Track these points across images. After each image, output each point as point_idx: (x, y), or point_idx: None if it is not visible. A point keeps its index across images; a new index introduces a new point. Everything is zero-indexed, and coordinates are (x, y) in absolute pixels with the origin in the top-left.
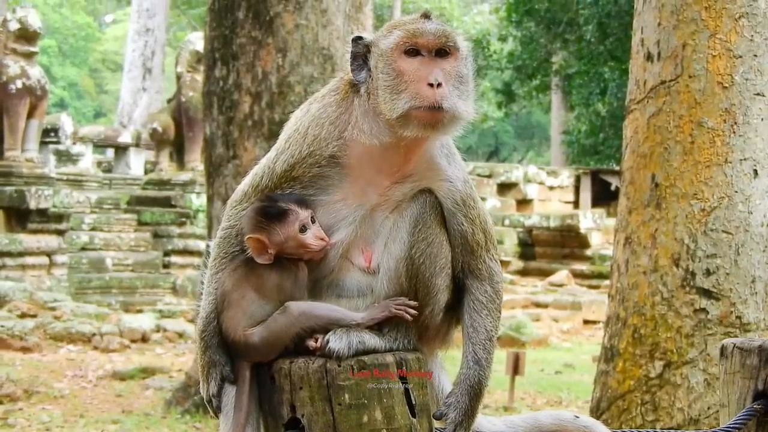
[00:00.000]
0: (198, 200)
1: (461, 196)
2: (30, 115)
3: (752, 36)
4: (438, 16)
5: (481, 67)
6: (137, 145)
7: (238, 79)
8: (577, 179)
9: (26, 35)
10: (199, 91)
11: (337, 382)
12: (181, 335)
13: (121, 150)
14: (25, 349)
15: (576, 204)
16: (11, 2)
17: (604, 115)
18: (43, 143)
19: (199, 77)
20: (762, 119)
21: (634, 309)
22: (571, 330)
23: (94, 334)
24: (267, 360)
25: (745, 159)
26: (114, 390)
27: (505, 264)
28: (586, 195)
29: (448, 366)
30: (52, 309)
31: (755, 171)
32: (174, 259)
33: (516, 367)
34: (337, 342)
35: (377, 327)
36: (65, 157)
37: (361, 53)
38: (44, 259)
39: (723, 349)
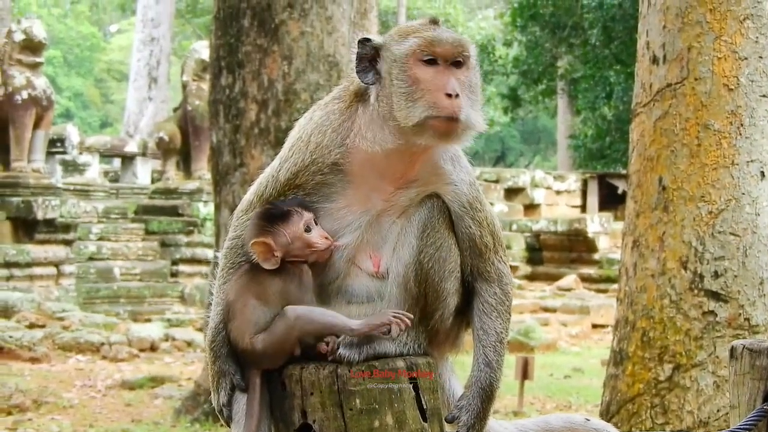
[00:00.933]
0: (205, 209)
1: (468, 199)
2: (36, 125)
3: (757, 38)
4: (443, 21)
5: (487, 72)
6: (144, 155)
7: (244, 87)
8: (584, 183)
9: (31, 46)
10: (205, 99)
11: (348, 388)
12: (189, 344)
13: (127, 159)
14: (34, 360)
15: (583, 208)
16: (16, 13)
17: (610, 118)
18: (49, 154)
19: (205, 86)
20: None
21: (643, 312)
22: (580, 334)
23: (102, 344)
24: (276, 366)
25: (751, 161)
26: (123, 399)
27: (513, 269)
28: (593, 199)
29: (457, 370)
30: (61, 319)
31: (762, 173)
32: (182, 267)
33: (525, 372)
34: (348, 348)
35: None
36: (72, 167)
37: (368, 55)
38: (52, 270)
39: (732, 351)
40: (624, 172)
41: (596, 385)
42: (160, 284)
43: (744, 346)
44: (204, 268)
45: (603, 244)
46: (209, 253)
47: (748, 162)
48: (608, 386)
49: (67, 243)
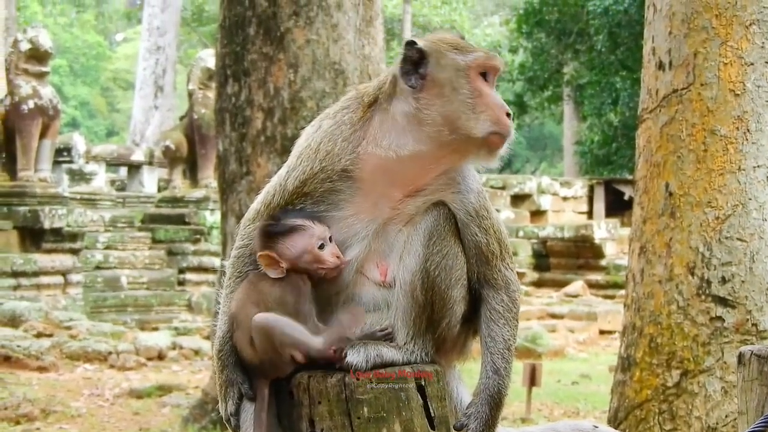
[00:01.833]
0: (212, 217)
1: (474, 207)
2: (42, 135)
3: (763, 43)
4: (450, 28)
5: None
6: (150, 163)
7: (250, 96)
8: (591, 189)
9: (37, 55)
10: (211, 108)
11: (356, 396)
12: (197, 352)
13: (134, 168)
14: (42, 369)
15: (590, 214)
16: (22, 22)
17: (617, 124)
18: (56, 163)
19: (211, 94)
20: None
21: (650, 318)
22: (587, 340)
23: (110, 353)
24: (284, 375)
25: (758, 166)
26: (131, 408)
27: (519, 275)
28: (599, 205)
29: (465, 378)
30: (68, 328)
31: None
32: (189, 276)
33: (533, 379)
34: (354, 355)
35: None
36: (78, 176)
37: (413, 59)
38: (59, 279)
39: (740, 357)
40: (630, 177)
41: (604, 392)
42: (167, 293)
43: (752, 352)
44: (211, 277)
45: (610, 250)
46: (216, 262)
47: (754, 167)
48: (616, 392)
49: (74, 252)
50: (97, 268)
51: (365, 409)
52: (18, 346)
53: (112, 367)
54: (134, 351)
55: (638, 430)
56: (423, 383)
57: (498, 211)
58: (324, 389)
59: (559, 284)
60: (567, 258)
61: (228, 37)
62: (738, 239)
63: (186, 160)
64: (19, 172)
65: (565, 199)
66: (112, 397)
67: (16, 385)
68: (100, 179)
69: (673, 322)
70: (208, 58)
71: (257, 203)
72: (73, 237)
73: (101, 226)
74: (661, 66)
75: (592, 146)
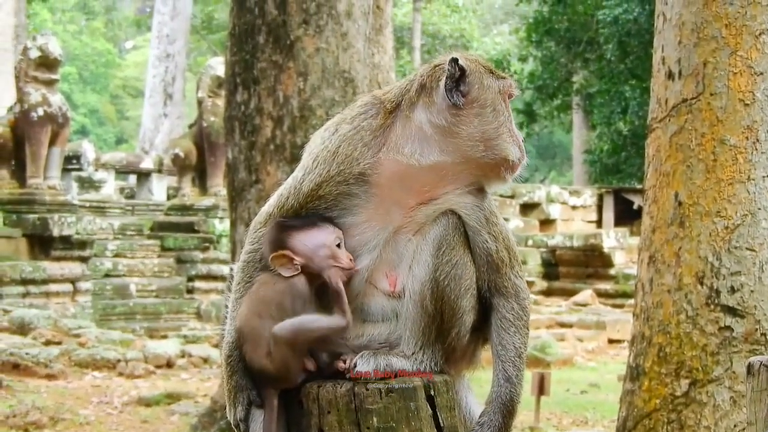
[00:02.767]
0: (221, 225)
1: (484, 214)
2: (52, 142)
3: None
4: (458, 37)
5: None
6: (159, 171)
7: (259, 104)
8: (600, 198)
9: (47, 63)
10: (221, 116)
11: (365, 406)
12: (206, 360)
13: (143, 176)
14: (50, 377)
15: (599, 223)
16: (32, 30)
17: (626, 133)
18: (65, 170)
19: (220, 102)
20: None
21: (659, 327)
22: (596, 349)
23: (119, 361)
24: (294, 385)
25: (767, 176)
26: (140, 416)
27: (528, 284)
28: (608, 214)
29: (474, 386)
30: (77, 336)
31: None
32: (198, 284)
33: (541, 387)
34: (364, 365)
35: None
36: (87, 183)
37: (456, 76)
38: (68, 286)
39: (750, 367)
40: (639, 186)
41: (612, 401)
42: (176, 301)
43: (761, 363)
44: (220, 285)
45: (619, 259)
46: (225, 270)
47: (764, 177)
48: (625, 402)
49: (83, 260)
50: (106, 275)
51: (374, 419)
52: (27, 353)
53: (120, 374)
54: (143, 359)
55: None
56: (432, 393)
57: (507, 220)
58: (333, 399)
59: (568, 293)
60: (576, 267)
61: (237, 45)
62: (747, 249)
63: (195, 168)
64: (29, 180)
65: (574, 208)
66: (121, 405)
67: (25, 393)
68: (110, 187)
69: (682, 331)
70: (218, 65)
71: (269, 206)
72: (82, 245)
73: (110, 233)
74: (670, 75)
75: (601, 155)
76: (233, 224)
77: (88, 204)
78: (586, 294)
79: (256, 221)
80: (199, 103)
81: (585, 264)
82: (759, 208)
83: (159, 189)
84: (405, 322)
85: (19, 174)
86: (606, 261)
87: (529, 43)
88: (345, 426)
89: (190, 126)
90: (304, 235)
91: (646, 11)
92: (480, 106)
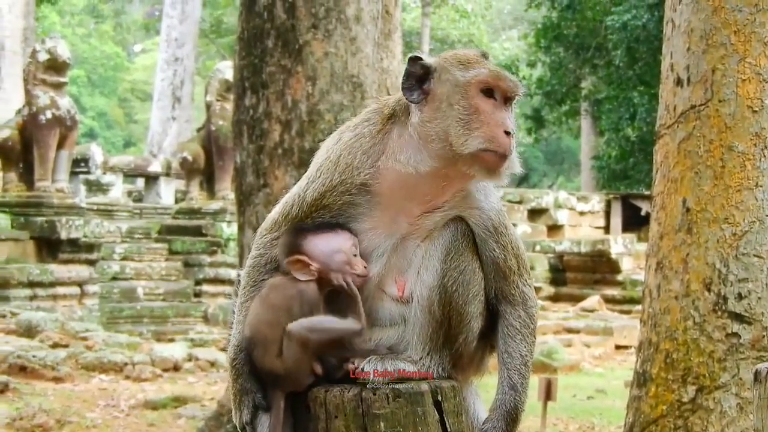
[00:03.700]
0: (229, 229)
1: (493, 223)
2: (60, 145)
3: None
4: (466, 42)
5: None
6: (167, 175)
7: (267, 108)
8: (608, 204)
9: (55, 66)
10: (229, 119)
11: (373, 411)
12: (213, 364)
13: (151, 179)
14: (57, 379)
15: (606, 229)
16: (40, 33)
17: (634, 139)
18: (73, 173)
19: (229, 106)
20: None
21: (666, 334)
22: (603, 355)
23: (126, 364)
24: (302, 388)
25: None
26: (146, 419)
27: (536, 290)
28: (616, 220)
29: (481, 392)
30: (84, 339)
31: None
32: (205, 287)
33: (548, 393)
34: (372, 370)
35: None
36: (95, 187)
37: (417, 74)
38: (75, 289)
39: (757, 374)
40: (647, 193)
41: (619, 407)
42: (184, 304)
43: None
44: (227, 288)
45: (626, 265)
46: (233, 273)
47: None
48: (631, 408)
49: (91, 263)
50: (114, 279)
51: (382, 424)
52: (34, 356)
53: (127, 378)
54: (150, 362)
55: None
56: (440, 398)
57: (514, 225)
58: (341, 403)
59: (576, 299)
60: (583, 273)
61: (246, 49)
62: (755, 256)
63: (203, 171)
64: (37, 183)
65: (582, 213)
66: (128, 408)
67: (32, 396)
68: (117, 190)
69: (689, 337)
70: (226, 69)
71: (275, 213)
72: (90, 248)
73: (118, 237)
74: (679, 82)
75: (609, 161)
76: (241, 228)
77: (95, 207)
78: (593, 300)
79: (263, 228)
80: (208, 106)
81: (592, 270)
82: (767, 215)
83: (167, 192)
84: (413, 327)
85: (27, 177)
86: (613, 267)
87: (538, 49)
88: (352, 431)
89: (199, 130)
90: (321, 240)
91: (655, 18)
92: (438, 101)
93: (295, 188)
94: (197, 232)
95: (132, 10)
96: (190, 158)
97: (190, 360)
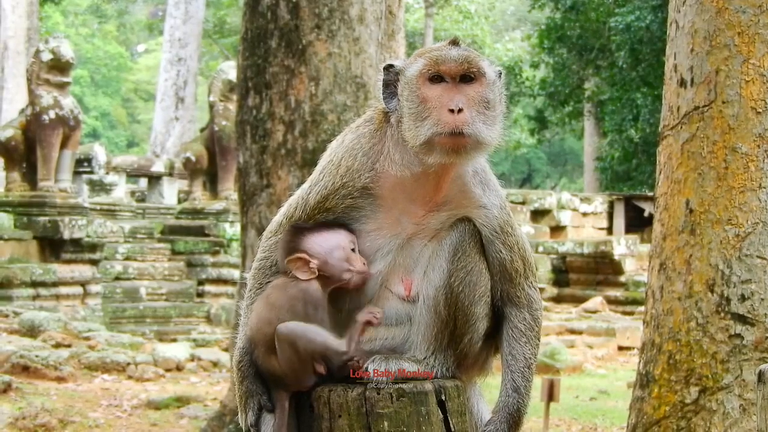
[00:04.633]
0: (231, 229)
1: (499, 223)
2: (63, 145)
3: None
4: (470, 43)
5: (514, 94)
6: (170, 175)
7: (271, 108)
8: (611, 205)
9: (59, 66)
10: (232, 120)
11: (376, 410)
12: (215, 364)
13: (154, 179)
14: (60, 379)
15: (609, 230)
16: (44, 33)
17: (637, 140)
18: (76, 173)
19: (232, 106)
20: None
21: (669, 335)
22: (606, 356)
23: (128, 364)
24: (305, 388)
25: None
26: (149, 419)
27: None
28: (619, 221)
29: (485, 393)
30: (87, 339)
31: None
32: (208, 288)
33: (551, 394)
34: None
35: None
36: (98, 186)
37: (393, 81)
38: (78, 289)
39: (760, 375)
40: (650, 194)
41: (622, 408)
42: (186, 304)
43: None
44: (230, 289)
45: (629, 266)
46: (235, 274)
47: None
48: (634, 409)
49: (94, 263)
50: (117, 279)
51: (385, 424)
52: (36, 356)
53: (130, 378)
54: (152, 362)
55: None
56: (443, 398)
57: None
58: (344, 403)
59: (578, 300)
60: (586, 274)
61: (249, 50)
62: (758, 257)
63: (206, 172)
64: (40, 182)
65: (584, 214)
66: (130, 408)
67: (34, 395)
68: (120, 190)
69: (692, 339)
70: (230, 70)
71: (279, 216)
72: (93, 248)
73: (121, 237)
74: (682, 83)
75: (612, 162)
76: (244, 228)
77: (98, 207)
78: (596, 301)
79: (268, 230)
80: (211, 107)
81: (595, 271)
82: None
83: (170, 192)
84: (418, 326)
85: (30, 176)
86: (616, 268)
87: (541, 50)
88: (356, 430)
89: (202, 130)
90: (319, 238)
91: (659, 19)
92: (402, 101)
93: (299, 191)
94: (200, 232)
95: (135, 11)
96: (193, 158)
97: (192, 360)
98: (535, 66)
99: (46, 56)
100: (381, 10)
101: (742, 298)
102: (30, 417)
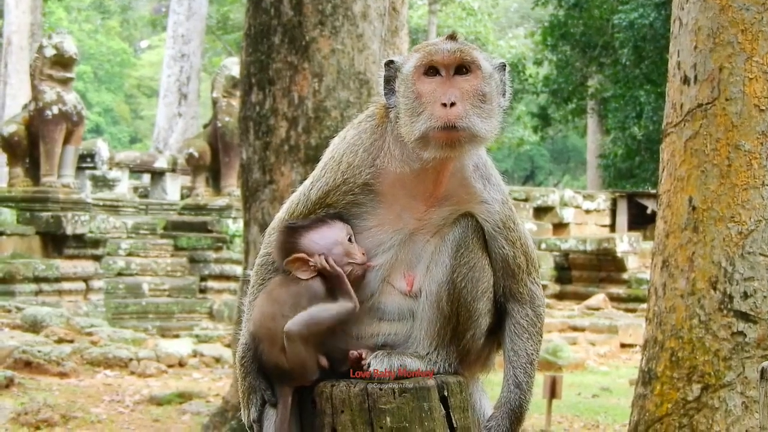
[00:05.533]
0: (234, 225)
1: (501, 218)
2: (66, 141)
3: None
4: (472, 40)
5: (517, 91)
6: (173, 171)
7: (274, 104)
8: (614, 203)
9: (62, 61)
10: (235, 116)
11: (379, 406)
12: (217, 360)
13: (157, 175)
14: (62, 375)
15: (612, 227)
16: (47, 28)
17: (640, 138)
18: (79, 169)
19: (235, 102)
20: None
21: (672, 332)
22: (608, 353)
23: (131, 359)
24: (309, 383)
25: None
26: (151, 415)
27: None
28: (622, 218)
29: (487, 389)
30: (89, 334)
31: None
32: (210, 284)
33: (553, 391)
34: (378, 364)
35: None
36: (101, 182)
37: (393, 77)
38: (81, 285)
39: (762, 372)
40: (653, 191)
41: (624, 405)
42: (189, 300)
43: None
44: (233, 285)
45: (632, 263)
46: (238, 270)
47: None
48: (636, 406)
49: (96, 258)
50: (119, 274)
51: (388, 419)
52: (39, 351)
53: (132, 373)
54: (155, 358)
55: None
56: (446, 394)
57: None
58: (347, 398)
59: (581, 297)
60: (589, 271)
61: (253, 46)
62: (761, 254)
63: (209, 168)
64: (42, 178)
65: (587, 212)
66: (132, 403)
67: (37, 391)
68: (123, 186)
69: (694, 336)
70: (233, 66)
71: (282, 212)
72: (96, 243)
73: (123, 232)
74: (685, 80)
75: (615, 159)
76: (246, 224)
77: (101, 203)
78: (598, 298)
79: (271, 227)
80: (214, 103)
81: (598, 268)
82: None
83: (173, 188)
84: (420, 322)
85: (33, 172)
86: (619, 265)
87: (545, 47)
88: (358, 425)
89: (205, 126)
90: (316, 235)
91: (662, 16)
92: (400, 97)
93: (302, 187)
94: (203, 228)
95: (139, 6)
96: (196, 154)
97: (195, 356)
98: (538, 63)
99: (50, 52)
100: (384, 6)
101: (745, 296)
102: (32, 412)
